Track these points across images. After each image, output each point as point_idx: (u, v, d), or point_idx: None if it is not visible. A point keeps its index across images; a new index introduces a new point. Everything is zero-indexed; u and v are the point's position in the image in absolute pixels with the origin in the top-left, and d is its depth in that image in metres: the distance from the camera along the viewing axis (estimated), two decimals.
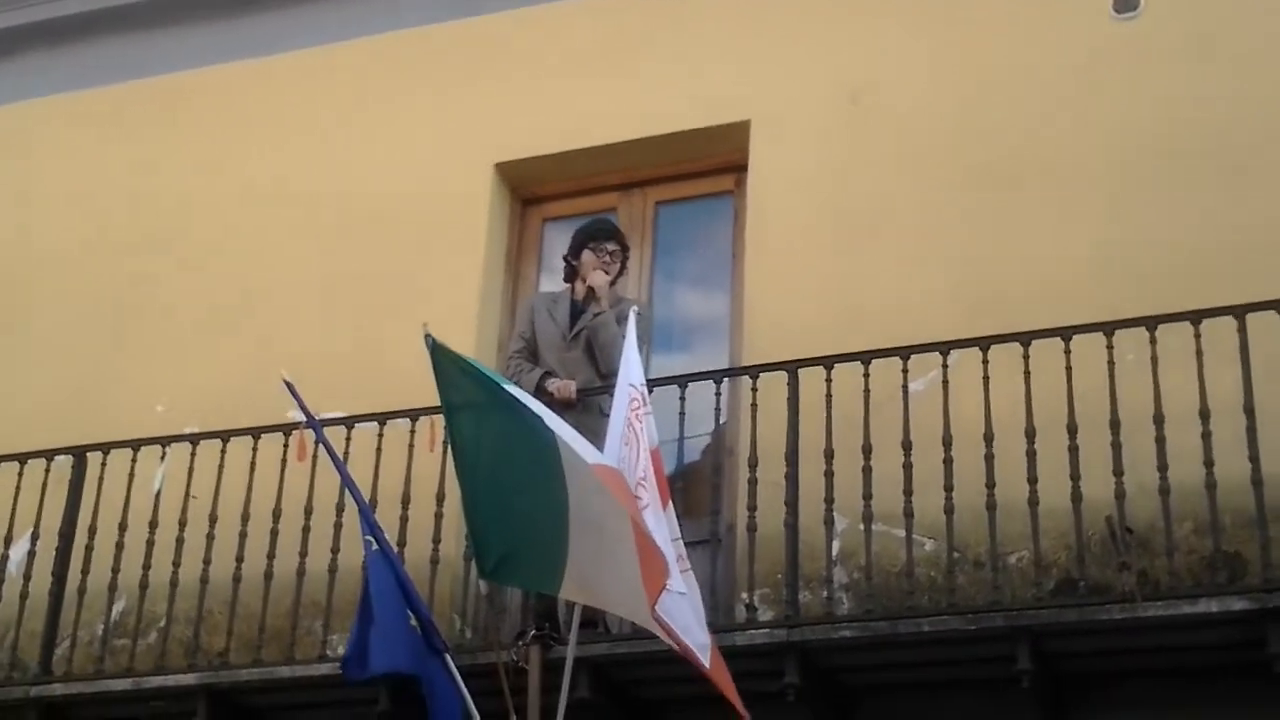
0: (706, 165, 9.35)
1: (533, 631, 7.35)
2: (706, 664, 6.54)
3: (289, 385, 7.32)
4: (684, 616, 6.53)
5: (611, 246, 8.27)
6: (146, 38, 10.79)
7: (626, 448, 6.80)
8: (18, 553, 8.56)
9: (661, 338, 8.77)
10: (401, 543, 7.66)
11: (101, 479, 8.42)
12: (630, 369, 7.05)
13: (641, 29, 9.61)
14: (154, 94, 10.57)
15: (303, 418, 7.53)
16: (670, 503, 6.80)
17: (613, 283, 8.27)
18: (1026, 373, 7.21)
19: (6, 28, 11.03)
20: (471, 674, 7.09)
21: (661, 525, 6.59)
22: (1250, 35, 8.37)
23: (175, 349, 9.63)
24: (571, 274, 8.39)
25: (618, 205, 9.44)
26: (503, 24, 9.93)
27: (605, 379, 7.77)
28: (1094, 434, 7.03)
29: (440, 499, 7.77)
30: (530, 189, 9.69)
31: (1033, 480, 7.02)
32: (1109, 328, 7.17)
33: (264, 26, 10.55)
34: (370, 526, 7.16)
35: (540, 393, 7.73)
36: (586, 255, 8.28)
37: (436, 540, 7.72)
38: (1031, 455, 7.07)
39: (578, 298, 8.25)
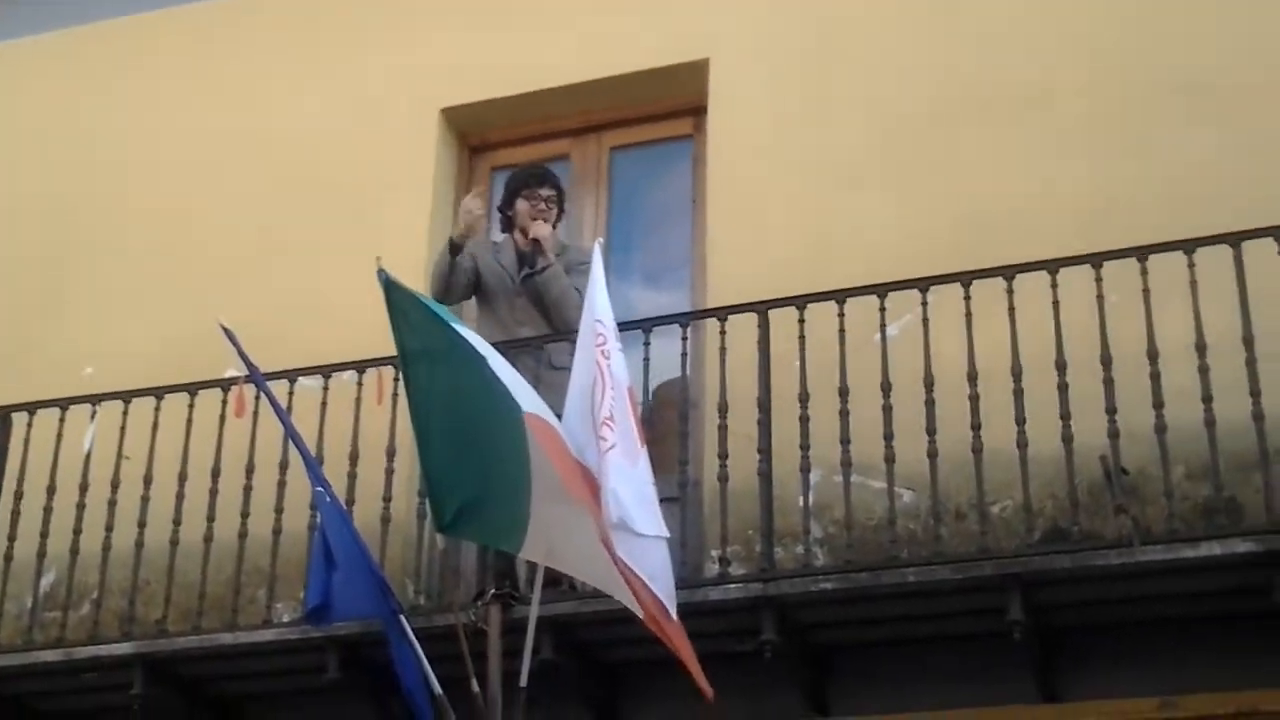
0: (664, 108, 8.97)
1: (492, 591, 6.94)
2: (674, 615, 6.10)
3: (227, 332, 6.87)
4: (650, 562, 6.08)
5: (546, 192, 7.89)
6: None
7: (595, 386, 6.34)
8: None
9: (619, 287, 8.33)
10: (350, 501, 7.21)
11: (28, 441, 7.95)
12: (596, 305, 6.59)
13: None
14: (81, 43, 10.12)
15: (241, 373, 7.10)
16: (644, 445, 6.36)
17: (554, 229, 7.87)
18: (1011, 309, 6.84)
19: None
20: (428, 637, 6.64)
21: (636, 468, 6.16)
22: None
23: (105, 307, 9.19)
24: (508, 225, 7.98)
25: (570, 151, 9.05)
26: None
27: (556, 331, 7.39)
28: (1083, 373, 6.67)
29: (390, 454, 7.36)
30: (479, 135, 9.29)
31: (1020, 422, 6.65)
32: (1097, 259, 6.81)
33: None
34: (318, 480, 6.73)
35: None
36: (521, 204, 7.90)
37: (387, 498, 7.31)
38: (1018, 395, 6.70)
39: (520, 248, 7.83)
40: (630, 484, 6.10)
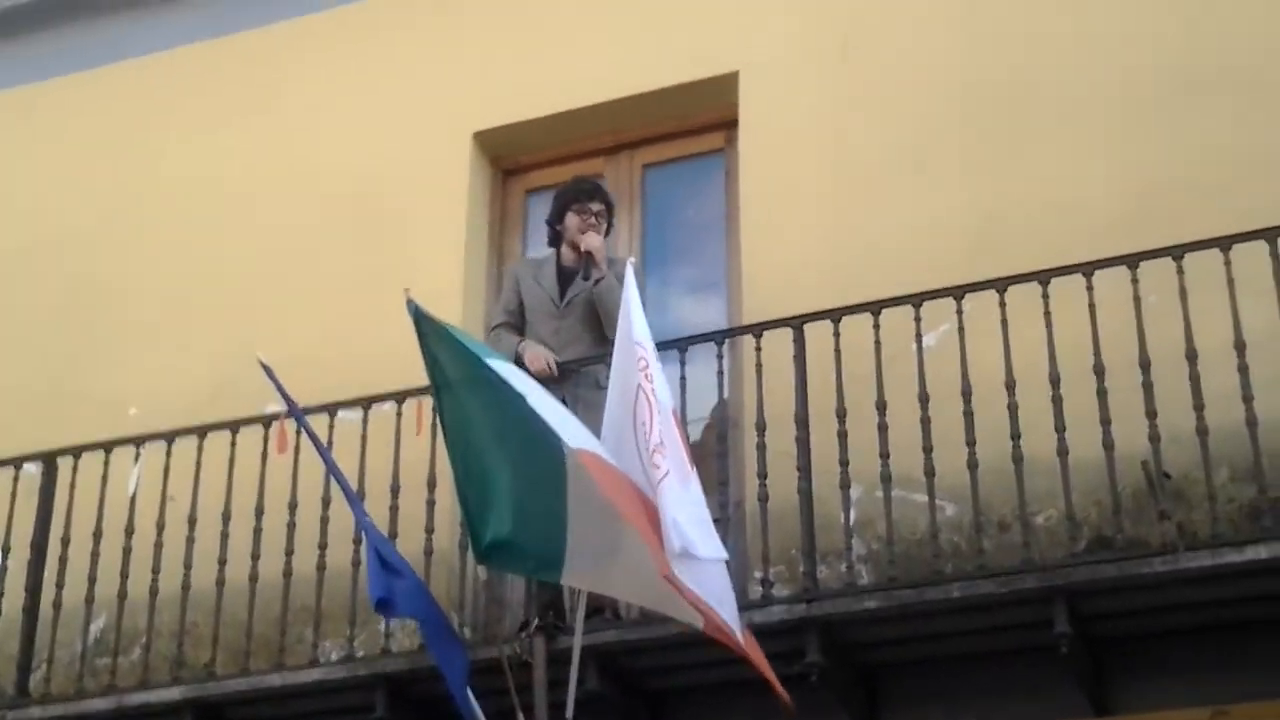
0: (694, 123, 8.89)
1: (536, 622, 6.89)
2: (741, 637, 6.04)
3: (265, 368, 6.91)
4: (713, 585, 6.00)
5: (596, 206, 7.79)
6: (106, 23, 10.34)
7: (641, 409, 6.27)
8: None
9: (655, 305, 8.27)
10: (393, 534, 7.19)
11: (73, 485, 7.97)
12: (633, 326, 6.51)
13: None
14: (116, 80, 10.14)
15: (282, 408, 7.10)
16: (695, 467, 6.28)
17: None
18: (1047, 314, 6.75)
19: None
20: (474, 670, 6.63)
21: (689, 492, 6.09)
22: None
23: (147, 347, 9.19)
24: (556, 239, 7.91)
25: (604, 171, 8.96)
26: None
27: (610, 347, 7.30)
28: (1122, 377, 6.58)
29: (432, 485, 7.32)
30: (512, 158, 9.23)
31: (1060, 429, 6.56)
32: (1133, 260, 6.71)
33: (231, 3, 10.07)
34: (359, 515, 6.74)
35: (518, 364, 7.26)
36: (571, 219, 7.80)
37: (430, 530, 7.27)
38: (1057, 402, 6.61)
39: (566, 263, 7.77)
40: (686, 508, 6.02)
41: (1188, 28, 7.85)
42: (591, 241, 7.67)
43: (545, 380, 7.00)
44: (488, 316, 8.45)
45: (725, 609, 5.98)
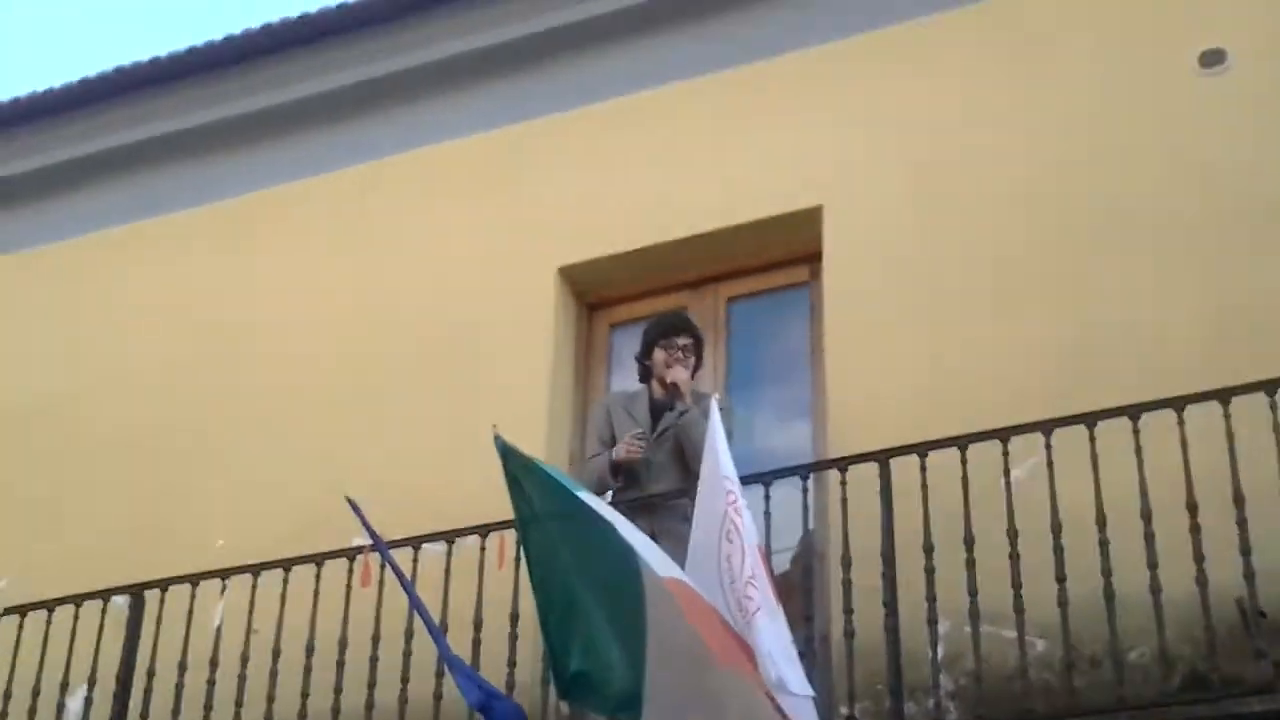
0: (779, 256, 8.93)
1: None
2: None
3: (352, 504, 6.95)
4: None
5: (683, 341, 7.84)
6: (203, 163, 10.58)
7: (729, 544, 6.24)
8: (75, 702, 8.14)
9: (740, 438, 8.24)
10: (475, 668, 7.14)
11: (160, 618, 8.00)
12: (720, 461, 6.51)
13: (703, 118, 9.24)
14: (201, 217, 10.35)
15: (366, 542, 7.12)
16: (780, 603, 6.24)
17: (691, 377, 7.83)
18: (1138, 449, 6.67)
19: (70, 159, 10.89)
20: None
21: (778, 626, 6.04)
22: None
23: (234, 481, 9.26)
24: (646, 374, 7.96)
25: (688, 305, 8.98)
26: (559, 124, 9.61)
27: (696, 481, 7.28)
28: (1214, 512, 6.49)
29: (514, 619, 7.29)
30: (596, 293, 9.29)
31: (1152, 566, 6.47)
32: (1225, 395, 6.63)
33: (317, 145, 10.30)
34: (442, 649, 6.72)
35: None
36: (658, 354, 7.87)
37: (512, 664, 7.23)
38: (1149, 539, 6.52)
39: (656, 398, 7.80)
40: (778, 643, 6.00)
41: (1276, 163, 7.82)
42: (677, 375, 7.73)
43: (633, 514, 6.98)
44: (572, 448, 8.48)
45: None
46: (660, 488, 7.54)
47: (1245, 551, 6.37)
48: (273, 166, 10.30)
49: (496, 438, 6.71)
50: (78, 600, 8.22)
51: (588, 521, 6.37)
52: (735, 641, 6.01)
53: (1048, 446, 6.86)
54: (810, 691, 6.03)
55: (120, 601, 8.20)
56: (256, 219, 10.14)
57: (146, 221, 10.54)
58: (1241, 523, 6.41)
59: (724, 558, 6.26)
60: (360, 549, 7.31)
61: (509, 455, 6.71)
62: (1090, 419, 6.83)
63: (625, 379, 8.34)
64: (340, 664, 7.53)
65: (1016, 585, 6.65)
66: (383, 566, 7.23)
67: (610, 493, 7.55)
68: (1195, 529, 6.47)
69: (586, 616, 6.46)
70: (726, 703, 5.92)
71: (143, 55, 10.61)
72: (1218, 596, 6.41)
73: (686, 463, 7.57)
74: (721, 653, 5.90)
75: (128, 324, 10.19)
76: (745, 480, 6.82)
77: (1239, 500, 6.46)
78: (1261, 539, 6.39)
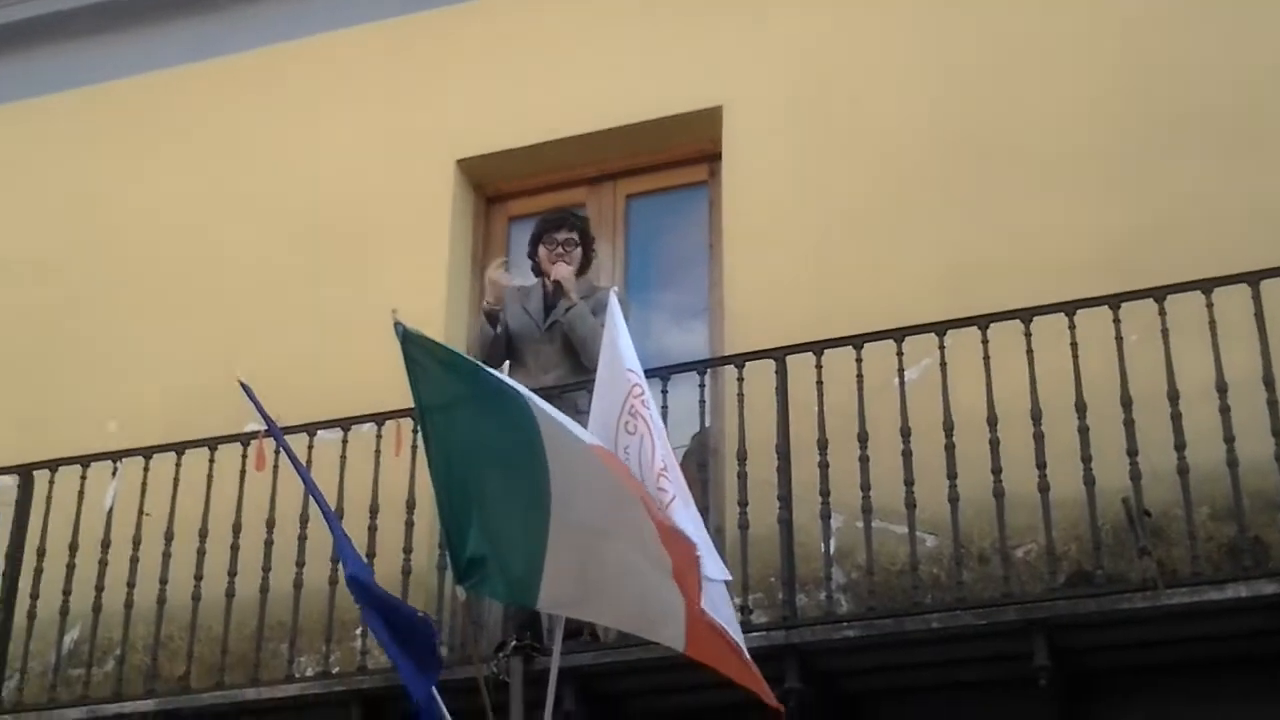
0: (678, 155, 8.98)
1: (513, 642, 6.88)
2: (748, 656, 6.01)
3: (245, 387, 6.83)
4: (723, 608, 5.95)
5: (563, 235, 7.87)
6: (92, 42, 10.35)
7: (629, 435, 6.25)
8: None
9: (638, 334, 8.29)
10: (371, 554, 7.20)
11: (50, 499, 7.94)
12: (622, 354, 6.51)
13: (606, 14, 9.23)
14: (96, 101, 10.15)
15: (261, 427, 7.08)
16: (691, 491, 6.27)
17: (580, 272, 7.89)
18: (1029, 351, 6.82)
19: None
20: (448, 689, 6.58)
21: (692, 513, 6.03)
22: None
23: (126, 363, 9.17)
24: (537, 270, 7.99)
25: (586, 200, 9.03)
26: (459, 16, 9.53)
27: (587, 374, 7.33)
28: (1103, 415, 6.65)
29: (410, 506, 7.34)
30: (494, 186, 9.29)
31: (1041, 465, 6.63)
32: (1115, 301, 6.79)
33: (211, 29, 10.13)
34: (336, 533, 6.70)
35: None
36: (542, 250, 7.92)
37: (408, 550, 7.30)
38: (1039, 439, 6.68)
39: (549, 291, 7.83)
40: (695, 530, 5.98)
41: (1166, 64, 7.97)
42: (559, 271, 7.78)
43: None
44: (470, 338, 8.48)
45: (732, 629, 5.97)
46: (550, 379, 7.57)
47: (1132, 453, 6.54)
48: (167, 49, 10.11)
49: (396, 324, 6.63)
50: None
51: (492, 400, 6.34)
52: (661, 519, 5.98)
53: (941, 347, 6.99)
54: (727, 575, 6.09)
55: (9, 481, 8.15)
56: (152, 103, 9.96)
57: (34, 100, 10.32)
58: (1129, 424, 6.57)
59: (621, 449, 6.27)
60: (255, 434, 7.26)
61: (409, 340, 6.64)
62: (983, 321, 6.96)
63: (525, 274, 8.35)
64: (234, 548, 7.54)
65: (909, 482, 6.79)
66: (277, 452, 7.17)
67: (507, 365, 7.63)
68: (1084, 430, 6.62)
69: (486, 502, 6.42)
70: (626, 583, 5.94)
71: None
72: (1104, 496, 6.59)
73: (577, 356, 7.62)
74: (653, 516, 5.86)
75: (18, 205, 10.02)
76: (644, 375, 6.86)
77: (1126, 403, 6.61)
78: (1148, 441, 6.56)
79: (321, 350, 8.73)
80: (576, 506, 6.03)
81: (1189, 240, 7.41)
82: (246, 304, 9.09)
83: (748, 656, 5.89)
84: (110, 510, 7.94)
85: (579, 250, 7.92)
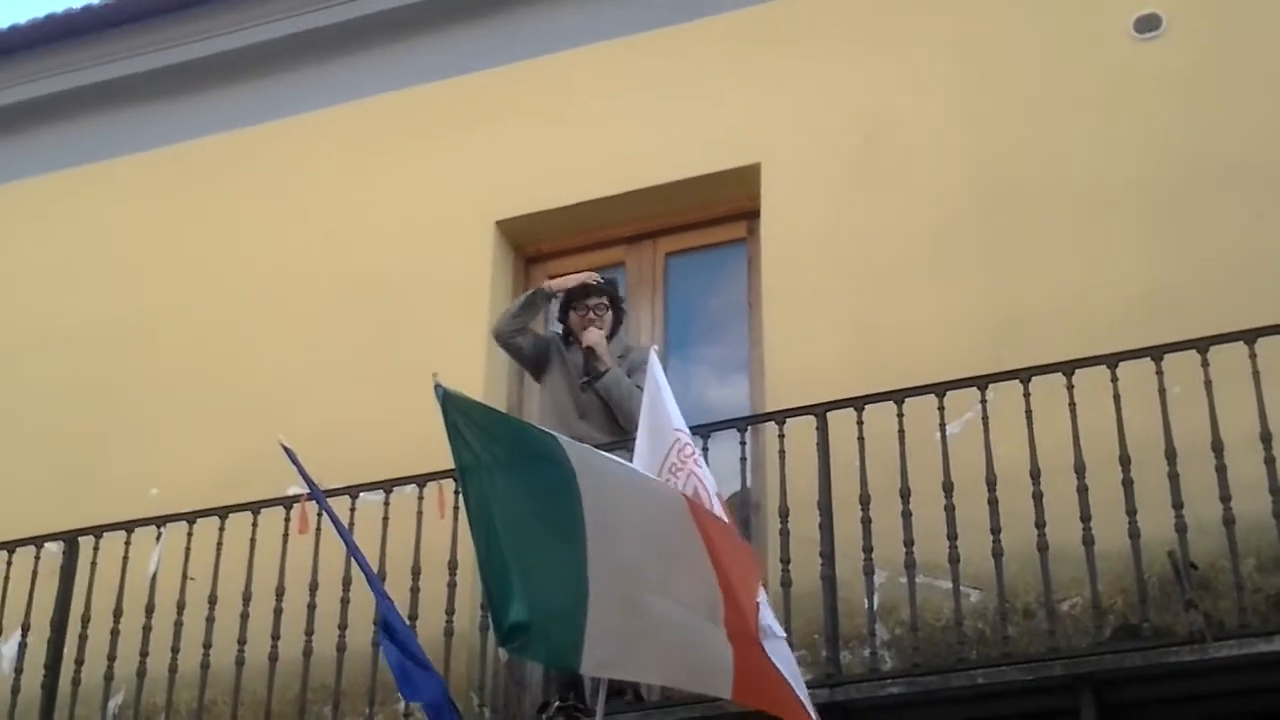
0: (717, 213, 8.98)
1: (556, 703, 6.88)
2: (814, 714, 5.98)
3: (287, 450, 6.89)
4: (789, 664, 5.97)
5: (594, 301, 7.92)
6: (139, 111, 10.48)
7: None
8: (9, 648, 8.19)
9: (678, 389, 8.28)
10: (413, 616, 7.21)
11: (94, 565, 7.99)
12: (669, 412, 6.49)
13: (643, 74, 9.26)
14: (140, 169, 10.25)
15: (303, 491, 7.10)
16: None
17: (611, 335, 7.93)
18: (1072, 404, 6.80)
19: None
20: None
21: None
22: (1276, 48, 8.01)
23: (169, 428, 9.22)
24: (568, 335, 8.09)
25: (625, 259, 9.06)
26: (498, 80, 9.60)
27: (625, 434, 7.33)
28: (1147, 467, 6.60)
29: (453, 568, 7.35)
30: (534, 246, 9.31)
31: (1085, 519, 6.59)
32: (1157, 352, 6.77)
33: (254, 95, 10.24)
34: (379, 595, 6.71)
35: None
36: (572, 317, 8.00)
37: (450, 612, 7.29)
38: (1082, 492, 6.64)
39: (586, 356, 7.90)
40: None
41: (1212, 121, 7.94)
42: (590, 337, 7.85)
43: None
44: (510, 400, 8.49)
45: (798, 685, 5.95)
46: (592, 430, 7.56)
47: (1177, 505, 6.49)
48: (212, 116, 10.21)
49: (437, 385, 6.66)
50: (10, 546, 8.20)
51: (530, 462, 6.32)
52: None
53: (983, 401, 6.96)
54: (782, 633, 6.09)
55: (54, 548, 8.18)
56: (193, 169, 10.05)
57: (74, 170, 10.44)
58: (1173, 477, 6.53)
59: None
60: (297, 497, 7.30)
61: (450, 402, 6.66)
62: (1025, 374, 6.94)
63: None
64: (277, 611, 7.55)
65: (952, 537, 6.76)
66: (320, 515, 7.22)
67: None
68: (1128, 483, 6.58)
69: (526, 565, 6.42)
70: (670, 636, 5.91)
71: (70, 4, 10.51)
72: (1149, 549, 6.55)
73: (614, 420, 7.65)
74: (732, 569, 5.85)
75: (61, 274, 10.09)
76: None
77: (1171, 455, 6.57)
78: (1193, 493, 6.51)
79: (363, 412, 8.75)
80: (617, 564, 6.02)
81: (1231, 291, 7.36)
82: (288, 367, 9.12)
83: (810, 708, 5.87)
84: (154, 575, 7.97)
85: (609, 314, 7.95)
